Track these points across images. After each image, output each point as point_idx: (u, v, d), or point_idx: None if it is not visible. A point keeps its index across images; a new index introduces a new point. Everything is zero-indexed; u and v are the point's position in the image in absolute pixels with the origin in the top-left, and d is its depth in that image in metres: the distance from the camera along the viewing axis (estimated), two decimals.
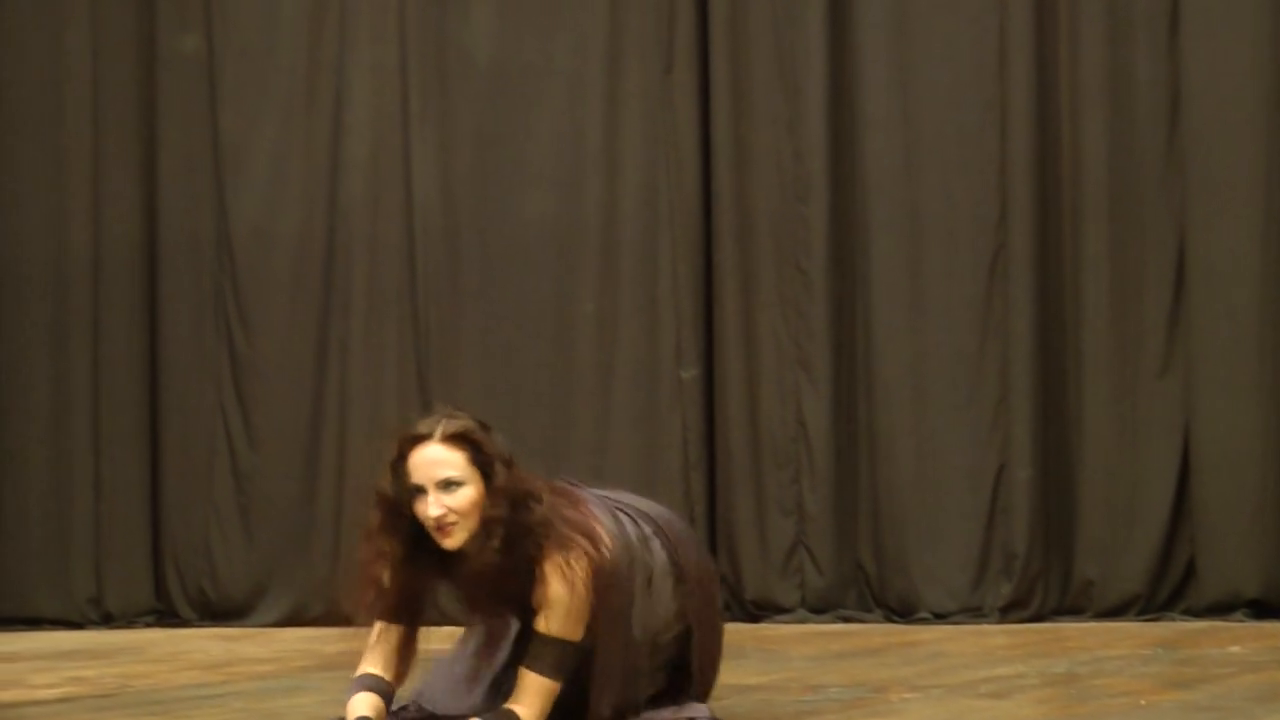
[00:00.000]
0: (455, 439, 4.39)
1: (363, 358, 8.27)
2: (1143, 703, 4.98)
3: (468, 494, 4.33)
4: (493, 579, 4.36)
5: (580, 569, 4.32)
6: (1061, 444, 7.84)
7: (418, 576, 4.43)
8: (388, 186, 8.27)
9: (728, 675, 5.94)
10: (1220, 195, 7.70)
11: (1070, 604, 7.77)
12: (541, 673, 4.34)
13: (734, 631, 7.48)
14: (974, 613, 7.76)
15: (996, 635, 7.17)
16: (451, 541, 4.33)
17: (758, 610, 7.96)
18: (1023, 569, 7.75)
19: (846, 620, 7.84)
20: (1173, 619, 7.59)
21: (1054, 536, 7.78)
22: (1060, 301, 7.86)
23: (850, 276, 8.02)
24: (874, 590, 7.92)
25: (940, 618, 7.77)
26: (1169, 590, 7.69)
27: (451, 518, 4.31)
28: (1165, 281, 7.77)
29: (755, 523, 8.01)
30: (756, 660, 6.42)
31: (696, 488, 8.06)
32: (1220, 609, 7.57)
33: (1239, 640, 6.67)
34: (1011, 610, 7.70)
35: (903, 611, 7.84)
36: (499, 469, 4.37)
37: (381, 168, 8.28)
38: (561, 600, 4.32)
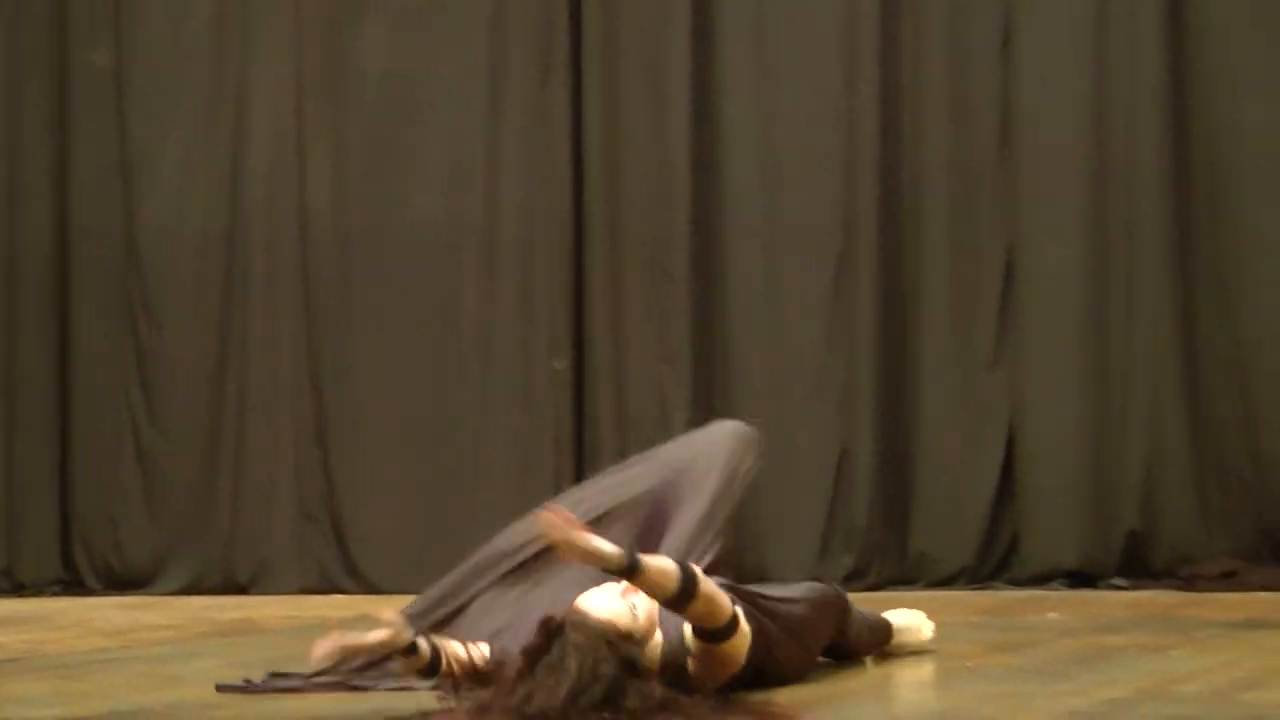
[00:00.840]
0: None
1: (260, 348, 8.25)
2: (969, 665, 5.06)
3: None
4: None
5: None
6: (900, 430, 7.92)
7: None
8: (285, 190, 8.26)
9: None
10: (1046, 203, 7.80)
11: (906, 574, 7.86)
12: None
13: None
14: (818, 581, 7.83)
15: None
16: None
17: None
18: (863, 542, 7.84)
19: None
20: (998, 588, 7.69)
21: (891, 513, 7.87)
22: (900, 300, 7.94)
23: (710, 276, 8.07)
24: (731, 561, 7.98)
25: None
26: (995, 562, 7.78)
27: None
28: (995, 282, 7.86)
29: None
30: None
31: (566, 469, 8.09)
32: (1040, 579, 7.67)
33: (1057, 608, 6.76)
34: (852, 580, 7.77)
35: (756, 580, 7.89)
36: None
37: (279, 173, 8.26)
38: None
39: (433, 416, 8.11)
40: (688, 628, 4.36)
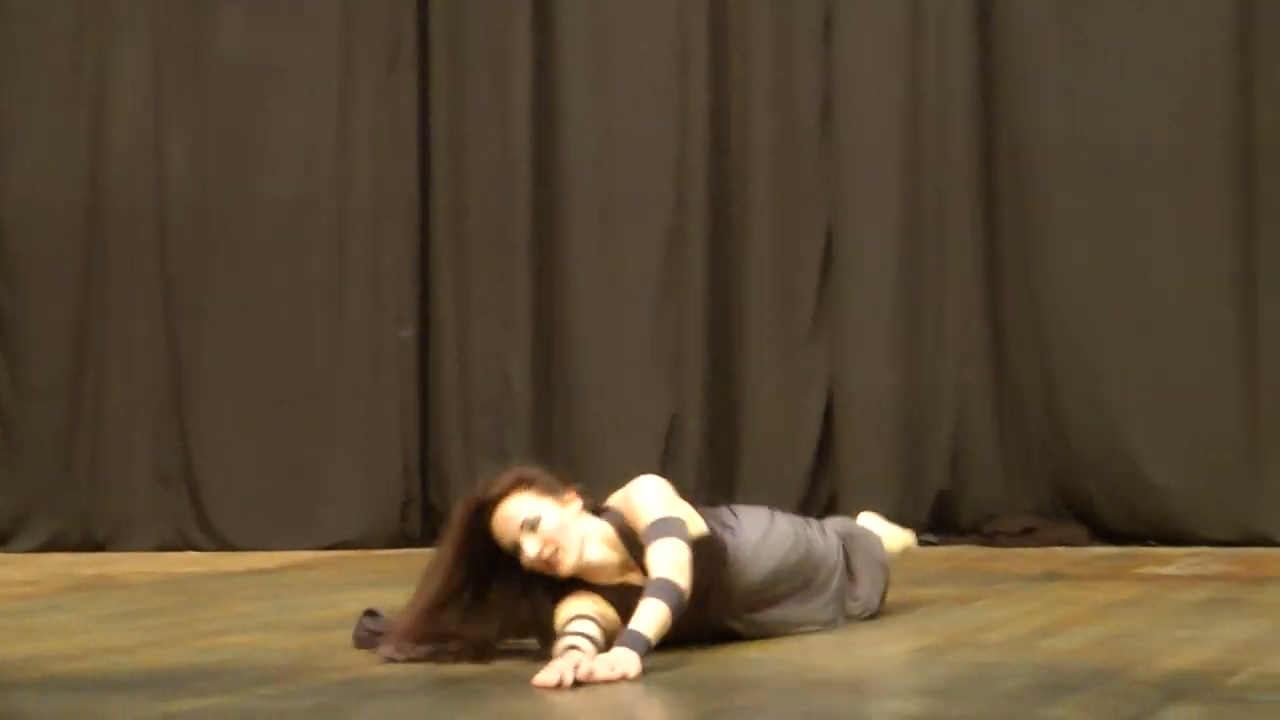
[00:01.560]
0: (515, 486, 4.28)
1: (118, 315, 8.15)
2: None
3: (550, 521, 4.20)
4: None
5: None
6: (726, 396, 7.97)
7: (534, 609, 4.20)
8: (143, 166, 8.15)
9: None
10: (863, 186, 7.87)
11: None
12: (669, 534, 4.17)
13: None
14: None
15: None
16: (565, 568, 4.17)
17: None
18: (691, 502, 7.86)
19: None
20: None
21: (719, 475, 7.91)
22: (728, 275, 7.99)
23: (550, 251, 8.08)
24: None
25: None
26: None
27: (549, 548, 4.15)
28: (815, 259, 7.92)
29: (463, 463, 8.05)
30: None
31: (411, 431, 8.08)
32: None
33: None
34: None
35: None
36: (560, 491, 4.29)
37: (138, 149, 8.15)
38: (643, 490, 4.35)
39: (285, 382, 8.05)
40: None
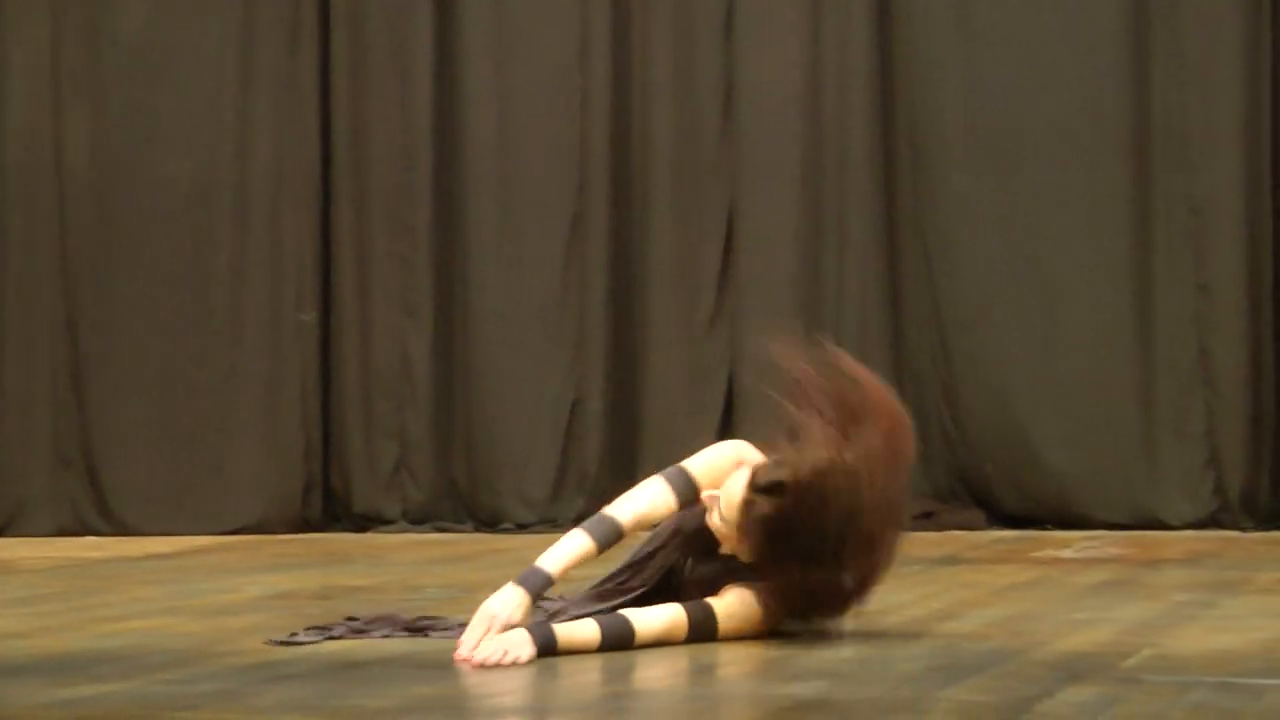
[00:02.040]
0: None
1: (17, 297, 8.06)
2: None
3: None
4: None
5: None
6: (628, 381, 7.98)
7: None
8: (42, 147, 8.06)
9: (340, 578, 6.00)
10: (764, 174, 7.89)
11: None
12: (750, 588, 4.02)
13: (344, 541, 7.58)
14: (551, 524, 7.86)
15: None
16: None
17: (365, 522, 7.97)
18: (593, 486, 7.89)
19: (442, 530, 7.89)
20: None
21: (620, 458, 7.93)
22: (630, 260, 7.99)
23: (452, 234, 8.06)
24: (466, 504, 7.99)
25: (523, 528, 7.86)
26: None
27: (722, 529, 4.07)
28: (717, 246, 7.94)
29: (364, 445, 8.02)
30: (364, 565, 6.45)
31: (312, 414, 8.03)
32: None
33: None
34: (583, 521, 7.80)
35: (491, 522, 7.91)
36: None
37: (37, 130, 8.06)
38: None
39: (186, 365, 7.99)
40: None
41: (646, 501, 4.17)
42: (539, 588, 4.01)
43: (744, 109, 7.90)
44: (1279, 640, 3.99)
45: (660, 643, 3.99)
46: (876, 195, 7.79)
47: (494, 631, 3.87)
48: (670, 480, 4.21)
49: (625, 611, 4.06)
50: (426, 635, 4.27)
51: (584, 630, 3.98)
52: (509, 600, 3.96)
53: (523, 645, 3.85)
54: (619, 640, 3.97)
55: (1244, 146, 7.40)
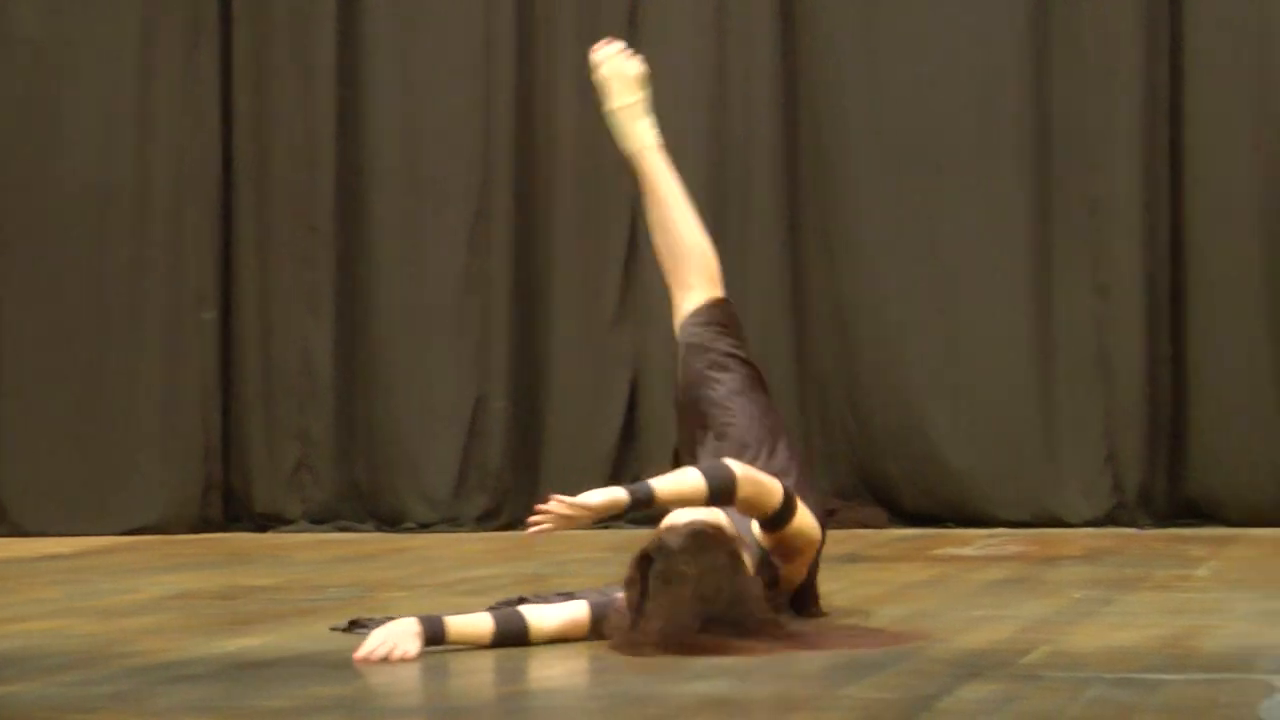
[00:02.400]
0: None
1: None
2: None
3: None
4: None
5: None
6: (532, 379, 7.97)
7: None
8: None
9: (241, 578, 5.96)
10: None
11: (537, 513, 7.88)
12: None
13: (244, 541, 7.54)
14: (453, 523, 7.85)
15: (474, 542, 7.26)
16: None
17: (266, 521, 7.93)
18: (496, 484, 7.87)
19: (344, 530, 7.85)
20: (622, 527, 7.76)
21: (523, 457, 7.91)
22: (534, 258, 7.98)
23: (354, 232, 8.02)
24: (368, 503, 7.96)
25: (425, 527, 7.84)
26: None
27: None
28: (621, 243, 7.94)
29: (265, 444, 7.98)
30: (266, 565, 6.42)
31: (212, 414, 7.98)
32: (661, 518, 7.75)
33: None
34: (485, 520, 7.81)
35: (393, 522, 7.89)
36: None
37: None
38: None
39: (85, 365, 7.92)
40: (754, 526, 4.09)
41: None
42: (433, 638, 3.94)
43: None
44: (1175, 636, 4.02)
45: (558, 639, 3.97)
46: (780, 196, 7.81)
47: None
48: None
49: (522, 607, 4.05)
50: None
51: (477, 623, 3.96)
52: (407, 637, 3.89)
53: (408, 638, 3.84)
54: (513, 635, 3.95)
55: (1142, 147, 7.46)
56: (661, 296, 7.87)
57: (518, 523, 7.80)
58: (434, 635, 3.88)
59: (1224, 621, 4.17)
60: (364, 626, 4.15)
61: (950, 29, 7.64)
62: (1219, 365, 7.31)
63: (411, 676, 3.67)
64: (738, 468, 4.06)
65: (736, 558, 3.86)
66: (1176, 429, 7.41)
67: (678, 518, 4.03)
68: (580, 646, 3.95)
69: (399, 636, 3.84)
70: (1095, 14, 7.49)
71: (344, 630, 4.21)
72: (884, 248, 7.66)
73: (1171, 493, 7.40)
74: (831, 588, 5.20)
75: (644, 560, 3.87)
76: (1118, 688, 3.32)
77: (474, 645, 3.94)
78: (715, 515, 4.02)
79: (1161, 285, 7.44)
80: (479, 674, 3.68)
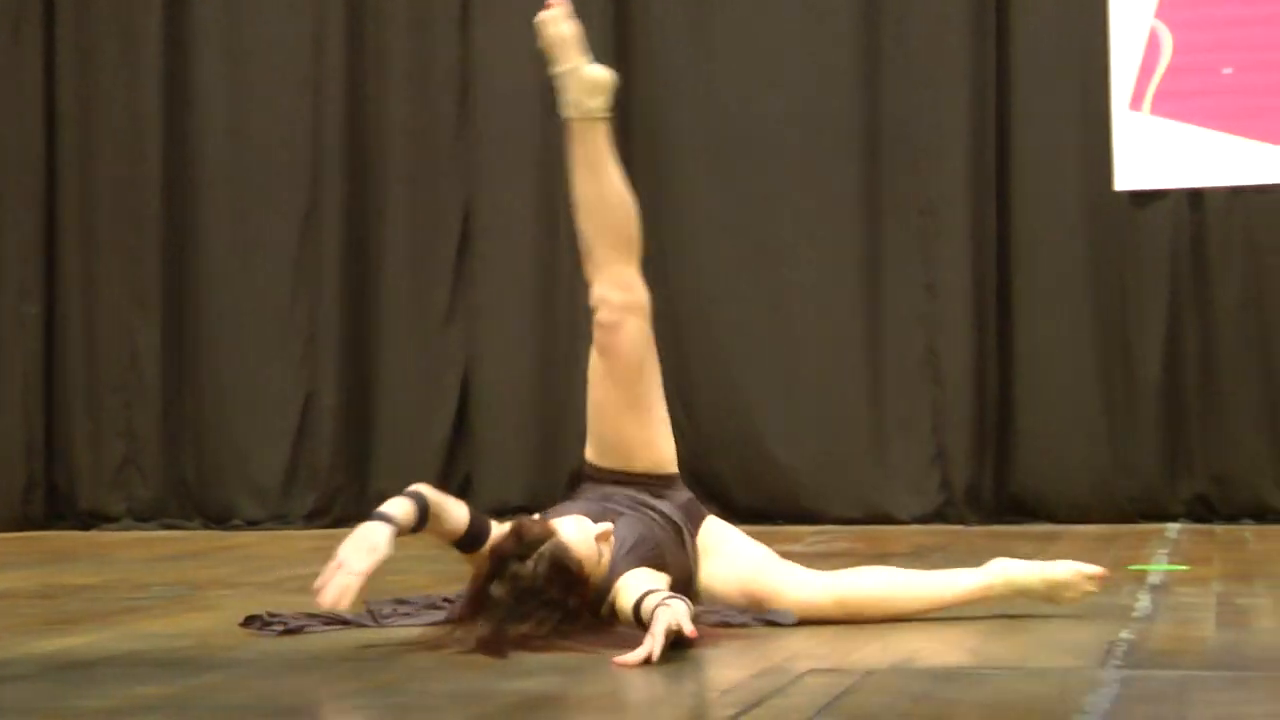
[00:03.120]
0: None
1: None
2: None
3: None
4: None
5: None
6: (362, 377, 7.93)
7: None
8: None
9: (63, 577, 5.86)
10: (500, 169, 7.89)
11: (365, 513, 7.80)
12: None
13: (67, 539, 7.42)
14: (282, 520, 7.79)
15: (302, 539, 7.21)
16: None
17: (90, 520, 7.82)
18: (325, 482, 7.82)
19: (170, 528, 7.77)
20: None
21: (353, 454, 7.87)
22: (365, 254, 7.94)
23: (182, 226, 7.95)
24: (196, 501, 7.87)
25: (253, 524, 7.78)
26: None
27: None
28: (453, 240, 7.93)
29: (89, 441, 7.88)
30: (89, 563, 6.32)
31: (35, 412, 7.87)
32: (491, 514, 7.72)
33: None
34: (315, 517, 7.76)
35: (220, 519, 7.81)
36: None
37: None
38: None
39: None
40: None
41: None
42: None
43: (480, 103, 7.88)
44: (1001, 631, 4.06)
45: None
46: None
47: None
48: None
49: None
50: (378, 624, 4.15)
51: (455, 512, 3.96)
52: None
53: (360, 554, 3.84)
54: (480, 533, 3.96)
55: (970, 150, 7.54)
56: (494, 293, 7.88)
57: (347, 520, 7.77)
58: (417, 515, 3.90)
59: (1048, 617, 4.22)
60: (271, 623, 4.10)
61: (781, 31, 7.68)
62: (1045, 365, 7.41)
63: (246, 674, 3.62)
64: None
65: (573, 601, 3.87)
66: (1003, 428, 7.50)
67: (571, 533, 3.99)
68: (421, 645, 3.92)
69: (359, 549, 3.84)
70: (923, 17, 7.56)
71: (250, 625, 4.15)
72: (715, 247, 7.69)
73: (998, 490, 7.49)
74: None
75: (527, 540, 3.88)
76: (944, 681, 3.34)
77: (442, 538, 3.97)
78: (591, 556, 4.00)
79: (989, 285, 7.53)
80: (312, 671, 3.64)
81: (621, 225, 4.42)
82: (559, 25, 4.33)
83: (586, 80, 4.36)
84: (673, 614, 3.62)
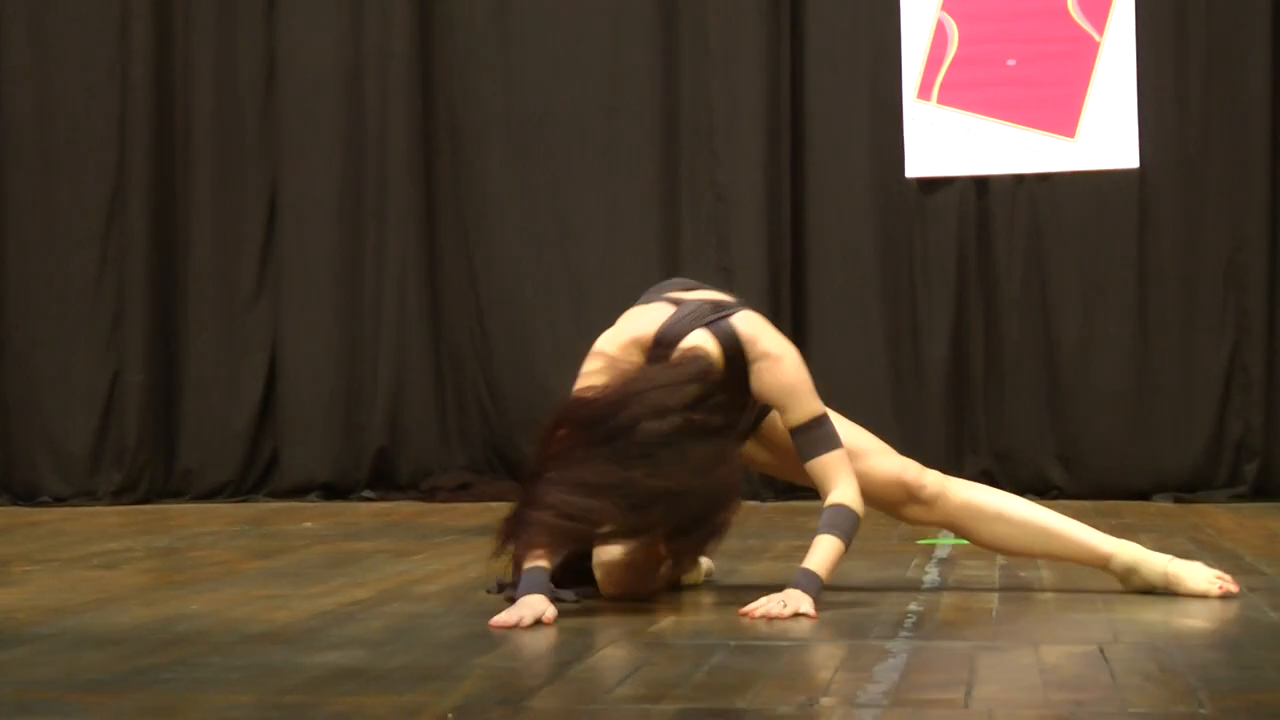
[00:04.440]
0: None
1: None
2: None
3: None
4: None
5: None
6: (170, 356, 7.82)
7: None
8: None
9: None
10: (307, 152, 7.81)
11: (173, 489, 7.76)
12: (828, 447, 3.94)
13: None
14: (89, 496, 7.66)
15: (109, 515, 7.10)
16: None
17: None
18: (132, 459, 7.69)
19: None
20: (258, 500, 7.67)
21: (160, 432, 7.76)
22: (173, 235, 7.83)
23: None
24: (1, 478, 7.72)
25: (60, 501, 7.63)
26: (256, 476, 7.77)
27: None
28: (260, 222, 7.84)
29: None
30: None
31: None
32: (297, 491, 7.69)
33: (311, 517, 6.80)
34: (122, 494, 7.64)
35: (27, 496, 7.66)
36: None
37: None
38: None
39: None
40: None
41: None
42: (817, 593, 3.86)
43: (285, 87, 7.79)
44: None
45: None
46: (416, 177, 7.77)
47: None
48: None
49: (838, 497, 3.95)
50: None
51: (831, 551, 3.89)
52: (801, 600, 3.80)
53: (801, 600, 3.78)
54: (852, 536, 3.94)
55: (765, 136, 7.56)
56: (300, 274, 7.78)
57: (153, 496, 7.66)
58: (817, 590, 3.83)
59: (841, 589, 4.24)
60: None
61: (581, 19, 7.66)
62: (837, 345, 7.46)
63: (49, 648, 3.53)
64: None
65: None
66: None
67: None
68: (222, 618, 3.85)
69: (793, 599, 3.78)
70: (721, 4, 7.56)
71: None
72: (516, 229, 7.67)
73: None
74: (465, 559, 5.18)
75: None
76: (740, 655, 3.34)
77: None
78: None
79: (783, 268, 7.56)
80: (114, 646, 3.56)
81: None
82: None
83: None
84: (810, 605, 3.74)
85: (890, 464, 4.18)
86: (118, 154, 7.75)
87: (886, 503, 4.20)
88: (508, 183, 7.69)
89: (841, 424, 4.15)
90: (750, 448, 4.25)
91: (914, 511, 4.19)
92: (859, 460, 4.11)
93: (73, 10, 7.79)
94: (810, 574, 3.86)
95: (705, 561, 4.51)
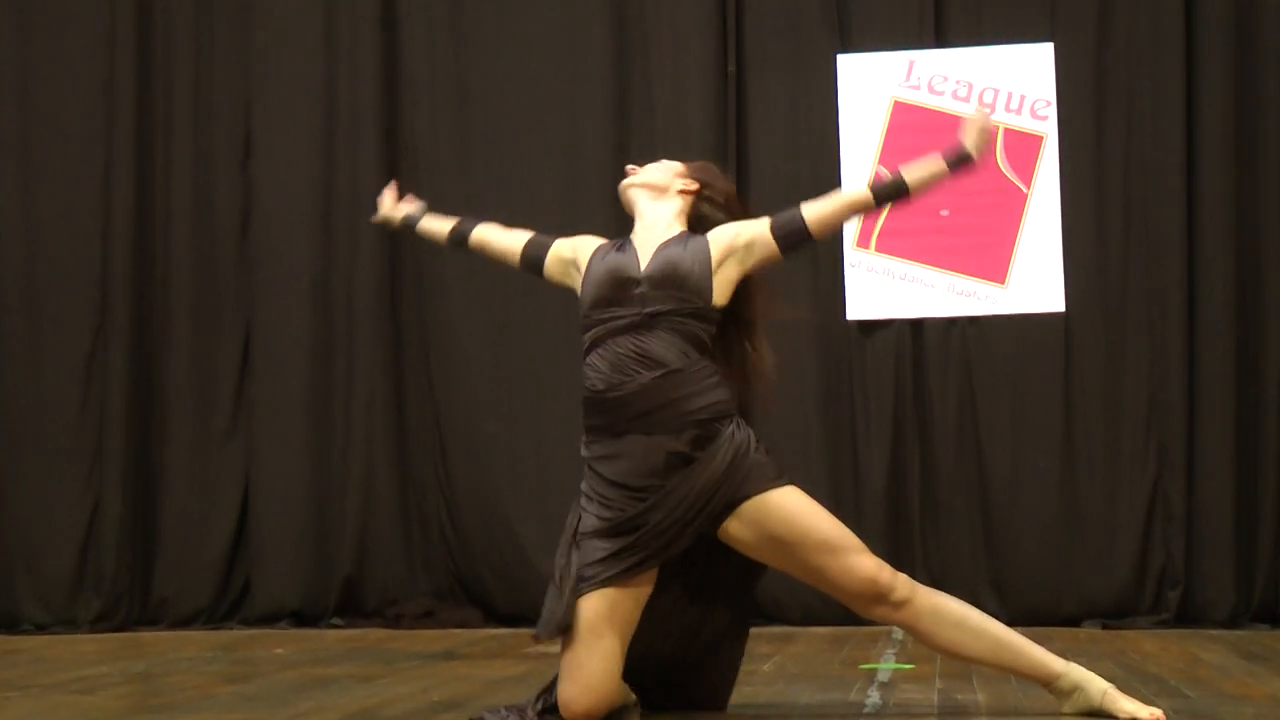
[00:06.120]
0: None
1: None
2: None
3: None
4: None
5: None
6: (148, 489, 7.78)
7: None
8: None
9: None
10: (279, 296, 7.81)
11: (149, 616, 7.70)
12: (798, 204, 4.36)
13: None
14: (69, 624, 7.59)
15: (87, 643, 7.03)
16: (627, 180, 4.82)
17: None
18: (110, 587, 7.64)
19: None
20: (231, 628, 7.61)
21: (137, 562, 7.70)
22: (149, 374, 7.80)
23: None
24: None
25: (40, 629, 7.57)
26: (229, 604, 7.72)
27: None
28: (235, 363, 7.83)
29: None
30: None
31: None
32: (268, 619, 7.64)
33: (282, 644, 6.75)
34: (100, 621, 7.57)
35: (8, 624, 7.59)
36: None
37: None
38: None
39: None
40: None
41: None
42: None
43: (260, 231, 7.82)
44: None
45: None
46: (383, 315, 7.79)
47: None
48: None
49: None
50: None
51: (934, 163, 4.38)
52: None
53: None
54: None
55: (712, 144, 7.53)
56: (273, 407, 7.77)
57: (130, 624, 7.60)
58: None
59: (782, 715, 4.23)
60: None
61: (537, 155, 7.71)
62: None
63: None
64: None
65: None
66: None
67: None
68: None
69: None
70: (670, 30, 7.62)
71: None
72: (476, 363, 7.68)
73: None
74: (428, 683, 5.16)
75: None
76: None
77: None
78: None
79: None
80: None
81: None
82: None
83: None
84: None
85: (867, 564, 4.17)
86: (100, 297, 7.76)
87: (857, 598, 4.18)
88: (468, 318, 7.72)
89: (822, 515, 4.17)
90: (734, 526, 4.23)
91: (881, 611, 4.18)
92: (838, 555, 4.12)
93: (59, 163, 7.82)
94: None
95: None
